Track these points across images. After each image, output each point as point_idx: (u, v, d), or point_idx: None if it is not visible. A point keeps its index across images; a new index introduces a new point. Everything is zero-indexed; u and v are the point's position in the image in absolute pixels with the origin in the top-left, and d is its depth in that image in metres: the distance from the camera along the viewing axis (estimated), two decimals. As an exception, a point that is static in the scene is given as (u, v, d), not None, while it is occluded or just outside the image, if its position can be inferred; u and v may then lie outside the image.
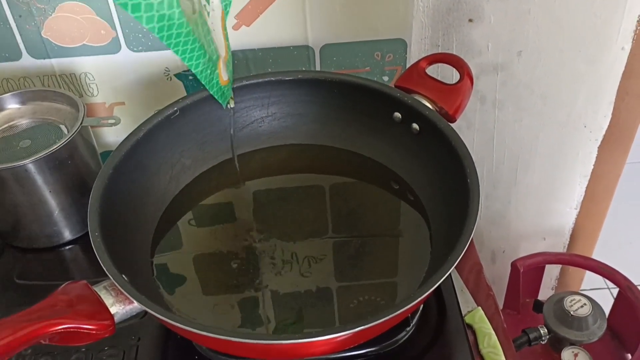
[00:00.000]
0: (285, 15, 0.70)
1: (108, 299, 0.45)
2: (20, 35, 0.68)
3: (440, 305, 0.58)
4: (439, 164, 0.58)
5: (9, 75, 0.72)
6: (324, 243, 0.59)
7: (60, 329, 0.40)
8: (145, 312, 0.46)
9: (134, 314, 0.46)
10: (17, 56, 0.70)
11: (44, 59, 0.70)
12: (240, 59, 0.73)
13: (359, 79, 0.62)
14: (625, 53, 0.77)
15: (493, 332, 0.62)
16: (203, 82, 0.57)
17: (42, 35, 0.68)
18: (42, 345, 0.42)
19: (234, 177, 0.66)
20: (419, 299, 0.44)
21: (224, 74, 0.59)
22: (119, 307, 0.45)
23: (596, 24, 0.75)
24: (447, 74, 0.71)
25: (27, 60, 0.70)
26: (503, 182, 0.93)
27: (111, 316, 0.44)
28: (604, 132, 0.86)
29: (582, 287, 1.14)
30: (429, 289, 0.45)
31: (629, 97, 0.82)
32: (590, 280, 1.11)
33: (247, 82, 0.63)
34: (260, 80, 0.64)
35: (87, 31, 0.68)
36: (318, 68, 0.75)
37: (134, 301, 0.44)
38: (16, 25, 0.67)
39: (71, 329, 0.41)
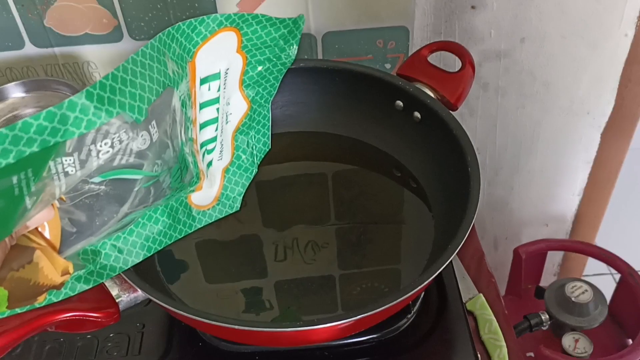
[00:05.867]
0: (287, 3, 0.69)
1: (112, 287, 0.45)
2: (23, 24, 0.68)
3: (441, 292, 0.58)
4: (441, 152, 0.58)
5: (12, 64, 0.72)
6: (327, 230, 0.59)
7: (66, 317, 0.41)
8: (150, 300, 0.47)
9: (139, 301, 0.46)
10: (20, 45, 0.70)
11: (47, 47, 0.70)
12: (242, 46, 0.73)
13: (361, 67, 0.62)
14: (628, 39, 0.77)
15: (494, 319, 0.63)
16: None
17: (45, 24, 0.68)
18: (48, 332, 0.42)
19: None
20: (420, 287, 0.45)
21: (195, 198, 0.55)
22: (124, 295, 0.45)
23: (598, 10, 0.74)
24: (450, 62, 0.71)
25: (30, 49, 0.70)
26: (505, 168, 0.93)
27: (116, 304, 0.45)
28: (607, 119, 0.86)
29: (584, 273, 1.14)
30: (430, 277, 0.45)
31: (632, 84, 0.82)
32: (593, 266, 1.12)
33: (249, 71, 0.63)
34: (262, 68, 0.64)
35: (90, 20, 0.68)
36: (320, 56, 0.75)
37: (138, 290, 0.45)
38: (19, 14, 0.67)
39: (77, 317, 0.42)
